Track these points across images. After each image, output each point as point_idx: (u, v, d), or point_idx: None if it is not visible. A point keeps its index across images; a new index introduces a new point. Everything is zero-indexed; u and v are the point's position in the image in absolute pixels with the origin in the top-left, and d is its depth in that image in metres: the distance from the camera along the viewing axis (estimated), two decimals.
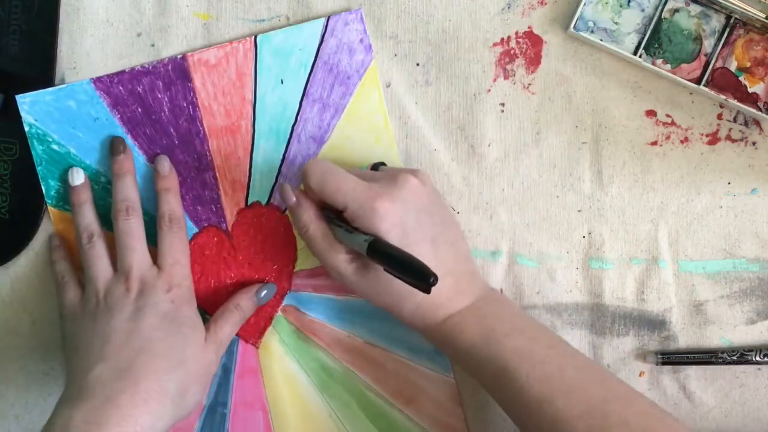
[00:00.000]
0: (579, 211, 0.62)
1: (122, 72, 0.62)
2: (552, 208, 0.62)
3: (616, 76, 0.61)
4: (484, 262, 0.63)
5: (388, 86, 0.62)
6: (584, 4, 0.60)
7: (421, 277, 0.50)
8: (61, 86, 0.62)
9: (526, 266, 0.62)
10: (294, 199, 0.57)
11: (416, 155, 0.62)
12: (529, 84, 0.62)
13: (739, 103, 0.59)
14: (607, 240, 0.62)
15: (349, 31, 0.61)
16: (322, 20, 0.61)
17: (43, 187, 0.62)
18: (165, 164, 0.62)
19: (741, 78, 0.60)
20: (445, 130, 0.62)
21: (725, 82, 0.60)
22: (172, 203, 0.61)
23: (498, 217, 0.63)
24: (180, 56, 0.62)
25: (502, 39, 0.61)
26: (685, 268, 0.62)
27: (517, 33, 0.61)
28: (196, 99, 0.62)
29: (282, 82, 0.62)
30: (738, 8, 0.59)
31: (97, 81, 0.62)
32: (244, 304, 0.61)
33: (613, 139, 0.62)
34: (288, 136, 0.62)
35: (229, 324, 0.60)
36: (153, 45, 0.62)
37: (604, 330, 0.63)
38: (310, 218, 0.57)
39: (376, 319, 0.63)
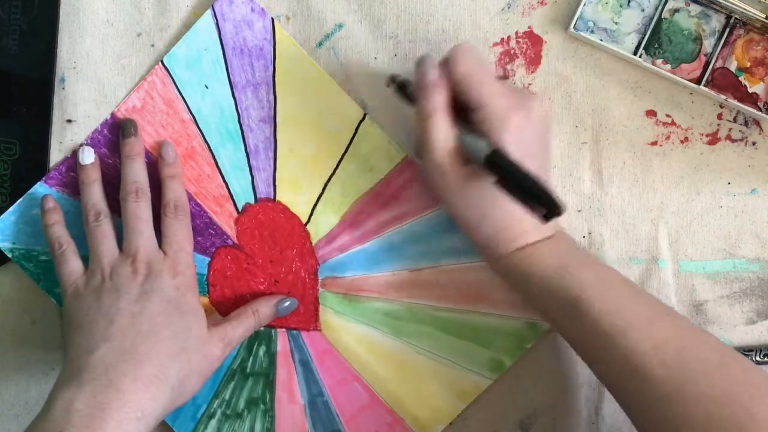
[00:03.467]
0: (579, 211, 0.62)
1: (66, 158, 0.62)
2: None
3: (616, 76, 0.61)
4: None
5: (388, 86, 0.62)
6: (584, 4, 0.60)
7: (549, 205, 0.47)
8: (19, 200, 0.62)
9: None
10: (433, 75, 0.54)
11: None
12: (529, 84, 0.62)
13: (739, 103, 0.59)
14: (607, 240, 0.62)
15: (236, 8, 0.61)
16: (209, 12, 0.61)
17: (53, 300, 0.63)
18: (170, 151, 0.62)
19: (741, 78, 0.60)
20: None
21: (725, 82, 0.60)
22: (177, 190, 0.61)
23: None
24: (109, 116, 0.62)
25: (502, 39, 0.61)
26: (685, 268, 0.62)
27: (517, 33, 0.61)
28: (144, 146, 0.62)
29: (207, 87, 0.62)
30: (738, 8, 0.59)
31: (48, 179, 0.62)
32: (263, 310, 0.61)
33: (613, 139, 0.62)
34: (239, 131, 0.62)
35: (242, 326, 0.60)
36: (153, 45, 0.62)
37: None
38: (440, 103, 0.54)
39: (407, 246, 0.62)
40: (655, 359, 0.49)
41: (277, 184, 0.63)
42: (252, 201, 0.63)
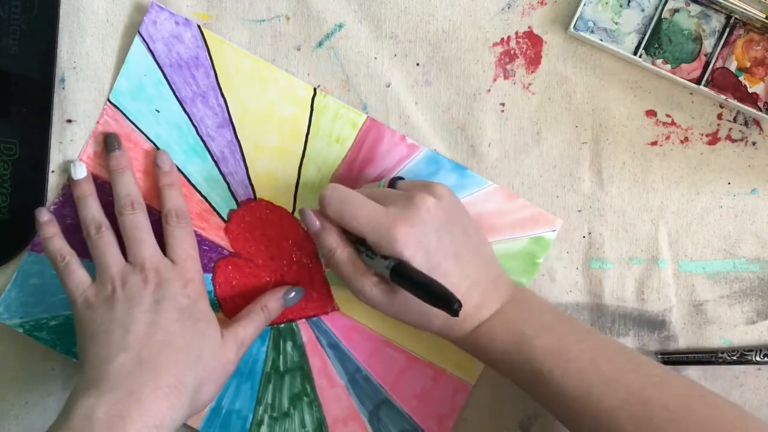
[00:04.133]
0: (579, 211, 0.62)
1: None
2: (552, 208, 0.62)
3: (616, 76, 0.61)
4: None
5: (388, 86, 0.62)
6: (584, 4, 0.60)
7: (447, 304, 0.50)
8: (13, 277, 0.62)
9: None
10: (318, 224, 0.56)
11: None
12: (529, 84, 0.62)
13: (739, 103, 0.60)
14: (607, 240, 0.62)
15: (162, 26, 0.61)
16: (137, 38, 0.61)
17: (74, 359, 0.63)
18: (166, 160, 0.62)
19: (741, 78, 0.60)
20: (445, 130, 0.62)
21: (725, 82, 0.60)
22: (177, 199, 0.61)
23: None
24: (71, 167, 0.61)
25: (502, 39, 0.61)
26: (685, 268, 0.62)
27: (517, 33, 0.61)
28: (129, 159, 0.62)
29: (158, 111, 0.62)
30: (738, 8, 0.59)
31: (33, 248, 0.62)
32: (272, 305, 0.61)
33: (613, 139, 0.62)
34: (201, 143, 0.62)
35: (253, 324, 0.60)
36: None
37: (605, 330, 0.63)
38: (335, 242, 0.56)
39: None
40: (623, 414, 0.51)
41: (253, 183, 0.63)
42: (234, 207, 0.63)
